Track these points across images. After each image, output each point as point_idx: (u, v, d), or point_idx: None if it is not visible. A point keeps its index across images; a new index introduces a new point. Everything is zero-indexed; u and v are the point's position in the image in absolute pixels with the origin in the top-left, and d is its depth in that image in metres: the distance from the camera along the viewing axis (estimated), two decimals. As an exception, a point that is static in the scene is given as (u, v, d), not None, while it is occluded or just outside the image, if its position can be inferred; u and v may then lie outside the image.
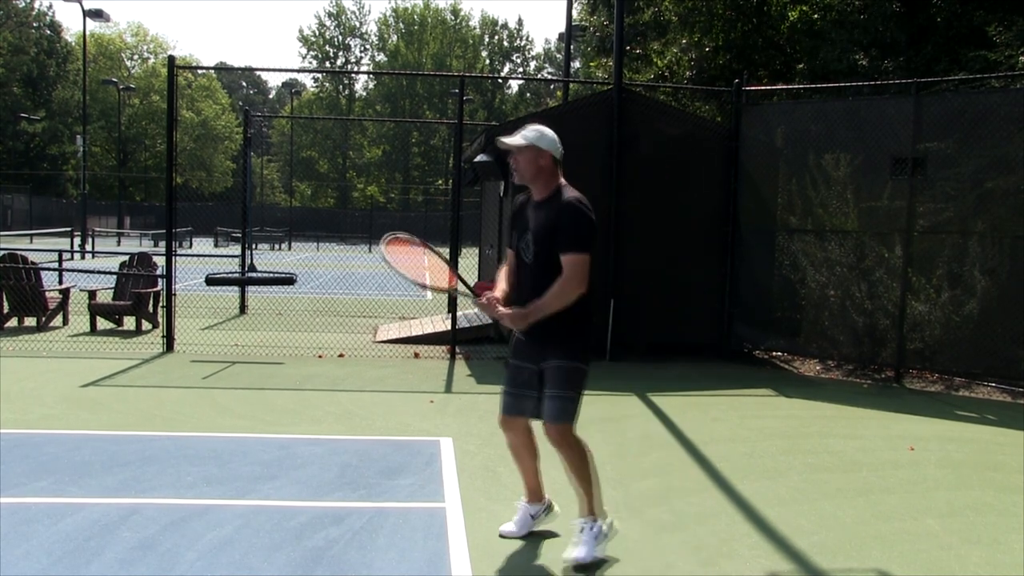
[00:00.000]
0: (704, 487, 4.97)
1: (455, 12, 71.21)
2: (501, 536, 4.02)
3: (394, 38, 69.51)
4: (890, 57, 10.94)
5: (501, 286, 3.94)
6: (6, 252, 12.16)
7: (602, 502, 3.86)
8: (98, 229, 36.48)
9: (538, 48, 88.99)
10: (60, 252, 17.29)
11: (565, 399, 3.72)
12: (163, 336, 9.25)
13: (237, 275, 11.48)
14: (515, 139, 3.73)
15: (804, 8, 12.69)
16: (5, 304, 10.60)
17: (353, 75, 72.65)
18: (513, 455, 4.04)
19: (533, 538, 4.04)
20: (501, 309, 3.73)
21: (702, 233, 9.55)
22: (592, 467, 3.81)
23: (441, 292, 3.95)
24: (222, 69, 63.65)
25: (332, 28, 70.59)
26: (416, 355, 9.30)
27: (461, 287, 3.89)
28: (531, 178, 3.76)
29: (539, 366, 3.79)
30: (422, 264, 4.00)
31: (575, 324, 3.77)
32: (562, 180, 3.80)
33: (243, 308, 12.91)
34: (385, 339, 10.35)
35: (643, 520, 4.36)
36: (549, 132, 3.79)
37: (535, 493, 4.05)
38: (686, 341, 9.71)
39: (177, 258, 9.70)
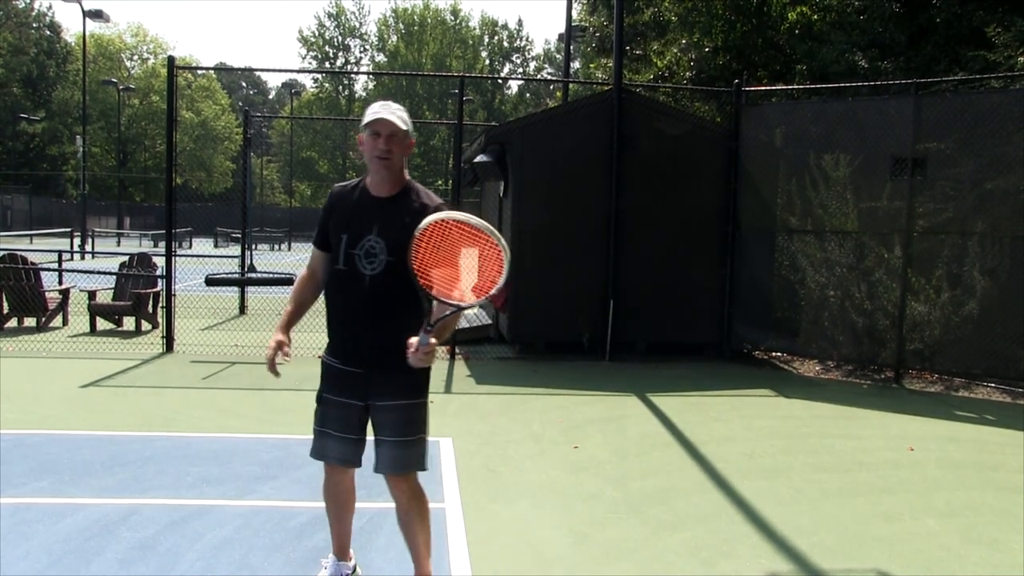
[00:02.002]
0: (704, 487, 4.97)
1: (455, 12, 71.18)
2: None
3: (394, 38, 69.48)
4: (889, 58, 10.94)
5: (287, 308, 3.29)
6: (6, 252, 12.16)
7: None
8: (98, 229, 36.49)
9: (538, 48, 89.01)
10: (60, 252, 17.29)
11: (417, 442, 3.15)
12: (163, 336, 9.25)
13: (237, 275, 11.49)
14: (396, 120, 3.01)
15: (804, 9, 12.69)
16: (5, 304, 10.60)
17: (353, 75, 72.66)
18: (333, 506, 3.35)
19: (533, 539, 4.04)
20: (427, 342, 2.88)
21: (702, 233, 9.55)
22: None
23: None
24: (222, 69, 63.66)
25: (332, 28, 70.55)
26: (416, 355, 9.29)
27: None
28: (398, 169, 3.06)
29: (367, 403, 3.13)
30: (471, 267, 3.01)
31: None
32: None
33: (243, 308, 12.91)
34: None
35: (643, 520, 4.36)
36: None
37: (346, 549, 3.46)
38: (686, 341, 9.71)
39: (177, 258, 9.70)
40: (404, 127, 3.02)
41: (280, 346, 3.19)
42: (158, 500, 4.39)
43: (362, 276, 3.03)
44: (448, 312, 2.92)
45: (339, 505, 3.35)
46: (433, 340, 2.89)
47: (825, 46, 11.21)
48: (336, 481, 3.29)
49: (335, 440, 3.16)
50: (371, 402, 3.12)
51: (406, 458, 3.13)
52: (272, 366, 3.18)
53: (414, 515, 3.22)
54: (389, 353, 2.99)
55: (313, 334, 11.42)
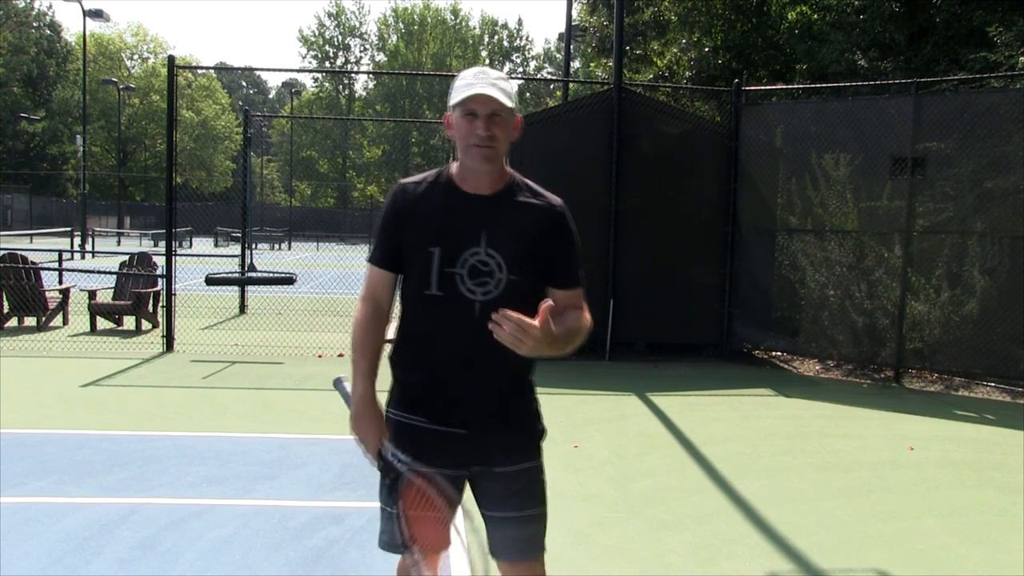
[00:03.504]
0: (704, 487, 4.97)
1: (455, 12, 71.20)
2: None
3: (394, 38, 69.50)
4: (889, 58, 10.93)
5: (360, 366, 2.45)
6: (6, 252, 12.16)
7: None
8: (98, 229, 36.49)
9: (538, 48, 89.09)
10: (60, 252, 17.30)
11: (541, 518, 2.41)
12: (163, 336, 9.25)
13: (237, 275, 11.49)
14: (498, 93, 2.22)
15: (804, 8, 12.69)
16: (5, 304, 10.60)
17: (353, 75, 72.68)
18: None
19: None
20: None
21: (702, 233, 9.55)
22: None
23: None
24: (222, 69, 63.70)
25: (332, 28, 70.57)
26: (416, 355, 9.29)
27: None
28: (499, 156, 2.28)
29: (472, 470, 2.36)
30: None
31: (534, 398, 2.45)
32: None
33: (243, 308, 12.92)
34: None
35: (643, 520, 4.35)
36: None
37: None
38: (686, 341, 9.71)
39: (177, 258, 9.70)
40: (510, 104, 2.23)
41: (380, 431, 2.36)
42: (158, 500, 4.39)
43: (469, 303, 2.25)
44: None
45: None
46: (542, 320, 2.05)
47: (825, 46, 11.21)
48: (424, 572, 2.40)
49: (425, 524, 2.31)
50: (476, 468, 2.35)
51: (535, 537, 2.38)
52: (378, 456, 2.34)
53: None
54: (508, 405, 2.32)
55: (313, 334, 11.34)
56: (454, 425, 2.31)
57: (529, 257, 2.27)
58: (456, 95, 2.24)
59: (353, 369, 2.41)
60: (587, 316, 2.37)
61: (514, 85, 2.33)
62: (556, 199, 2.38)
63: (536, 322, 2.02)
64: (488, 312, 2.09)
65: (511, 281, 2.25)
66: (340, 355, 9.15)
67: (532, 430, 2.40)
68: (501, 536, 2.37)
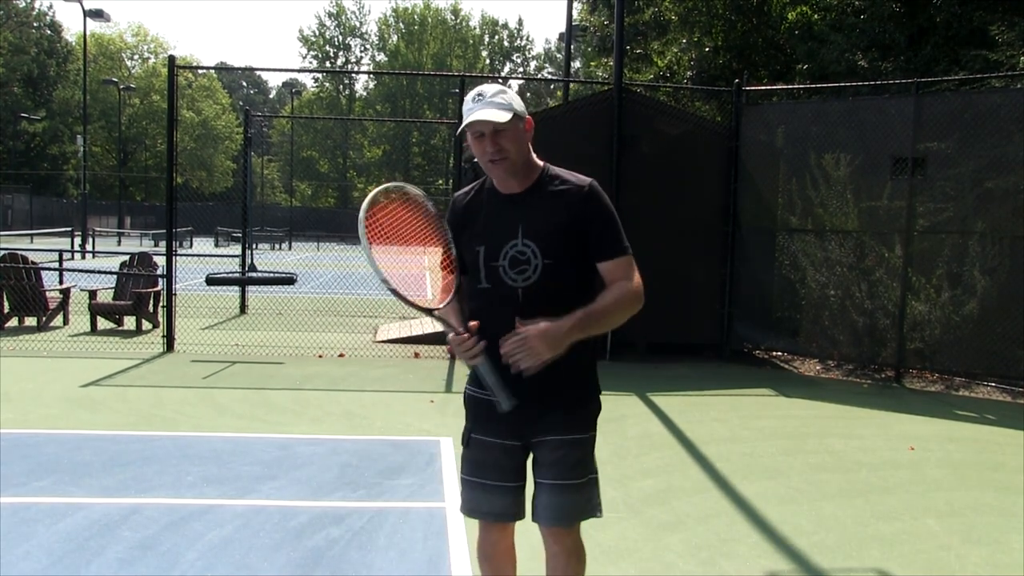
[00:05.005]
0: (704, 487, 4.98)
1: (455, 12, 71.22)
2: None
3: (394, 38, 69.52)
4: (889, 58, 10.93)
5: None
6: (6, 252, 12.16)
7: None
8: (98, 229, 36.50)
9: (538, 48, 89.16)
10: (60, 252, 17.31)
11: (586, 485, 2.62)
12: (163, 336, 9.25)
13: (237, 275, 11.48)
14: (496, 112, 2.46)
15: (804, 8, 12.69)
16: (5, 304, 10.61)
17: (353, 75, 72.71)
18: (490, 569, 2.79)
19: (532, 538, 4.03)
20: (527, 331, 2.35)
21: (702, 233, 9.55)
22: None
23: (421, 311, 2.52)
24: (222, 69, 63.71)
25: (332, 28, 70.61)
26: (416, 355, 9.31)
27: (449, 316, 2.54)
28: (523, 162, 2.55)
29: (526, 442, 2.62)
30: (420, 263, 2.82)
31: (591, 370, 2.68)
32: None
33: (243, 308, 12.92)
34: (385, 339, 10.36)
35: (643, 520, 4.36)
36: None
37: None
38: (686, 341, 9.70)
39: (177, 258, 9.70)
40: (507, 117, 2.45)
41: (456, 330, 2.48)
42: (158, 500, 4.39)
43: (512, 290, 2.49)
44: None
45: (497, 569, 2.78)
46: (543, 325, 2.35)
47: (825, 46, 11.21)
48: (494, 541, 2.73)
49: (492, 491, 2.62)
50: (532, 440, 2.60)
51: (573, 505, 2.60)
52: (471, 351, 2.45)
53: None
54: (557, 378, 2.48)
55: (314, 334, 11.33)
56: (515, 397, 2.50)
57: (563, 240, 2.50)
58: (464, 121, 2.49)
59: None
60: (634, 284, 2.62)
61: (513, 95, 2.52)
62: (584, 178, 2.63)
63: (521, 330, 2.33)
64: (529, 297, 2.46)
65: (547, 266, 2.48)
66: (341, 355, 9.16)
67: (582, 404, 2.62)
68: (543, 502, 2.59)
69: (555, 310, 2.41)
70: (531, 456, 2.64)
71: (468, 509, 2.70)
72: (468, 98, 2.51)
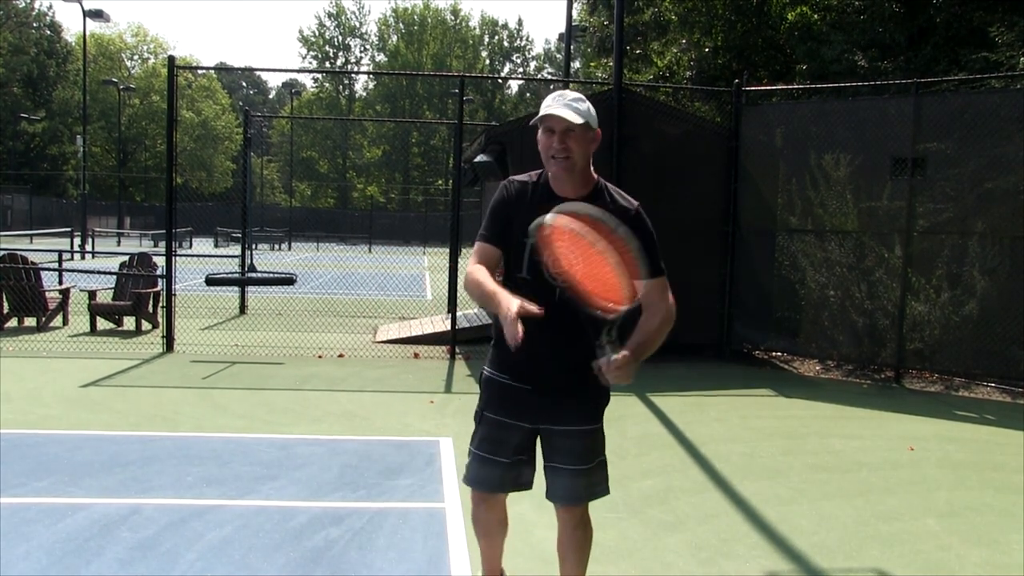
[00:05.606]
0: (704, 487, 4.98)
1: (455, 12, 71.23)
2: None
3: (394, 38, 69.54)
4: (889, 58, 10.94)
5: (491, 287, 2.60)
6: (6, 252, 12.16)
7: None
8: (98, 229, 36.47)
9: (538, 48, 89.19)
10: (60, 252, 17.28)
11: (597, 467, 2.89)
12: (163, 336, 9.25)
13: (237, 275, 11.48)
14: (571, 114, 2.65)
15: (804, 8, 12.70)
16: (5, 304, 10.60)
17: (353, 75, 72.70)
18: (483, 533, 3.10)
19: (533, 540, 4.04)
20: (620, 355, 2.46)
21: (702, 233, 9.54)
22: None
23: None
24: (222, 69, 63.62)
25: (332, 28, 70.63)
26: (416, 355, 9.30)
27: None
28: (582, 167, 2.73)
29: (536, 426, 2.87)
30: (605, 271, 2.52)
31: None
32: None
33: (243, 308, 12.92)
34: (385, 339, 10.35)
35: (643, 520, 4.36)
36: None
37: (497, 572, 3.23)
38: (686, 341, 9.68)
39: (177, 258, 9.70)
40: (581, 121, 2.64)
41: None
42: (158, 500, 4.39)
43: (551, 288, 2.60)
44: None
45: (490, 534, 3.07)
46: (624, 353, 2.48)
47: (825, 46, 11.22)
48: (487, 508, 3.00)
49: (493, 465, 2.87)
50: (545, 426, 2.84)
51: (586, 487, 2.86)
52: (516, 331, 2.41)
53: (577, 545, 2.95)
54: (579, 376, 2.66)
55: (314, 334, 11.33)
56: (532, 385, 2.79)
57: None
58: (540, 115, 2.69)
59: (488, 297, 2.57)
60: (668, 304, 2.74)
61: (590, 106, 2.72)
62: (633, 201, 2.79)
63: (619, 360, 2.44)
64: (564, 297, 2.53)
65: None
66: (340, 355, 9.16)
67: (599, 398, 2.84)
68: (558, 484, 2.86)
69: (585, 314, 2.51)
70: (540, 440, 2.89)
71: (469, 479, 2.94)
72: (549, 97, 2.72)
